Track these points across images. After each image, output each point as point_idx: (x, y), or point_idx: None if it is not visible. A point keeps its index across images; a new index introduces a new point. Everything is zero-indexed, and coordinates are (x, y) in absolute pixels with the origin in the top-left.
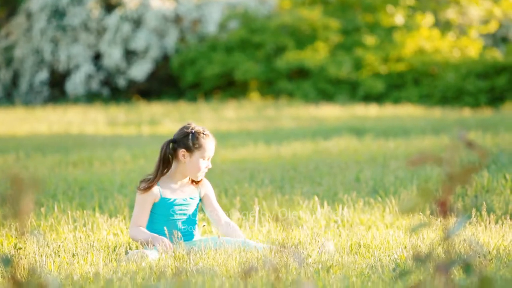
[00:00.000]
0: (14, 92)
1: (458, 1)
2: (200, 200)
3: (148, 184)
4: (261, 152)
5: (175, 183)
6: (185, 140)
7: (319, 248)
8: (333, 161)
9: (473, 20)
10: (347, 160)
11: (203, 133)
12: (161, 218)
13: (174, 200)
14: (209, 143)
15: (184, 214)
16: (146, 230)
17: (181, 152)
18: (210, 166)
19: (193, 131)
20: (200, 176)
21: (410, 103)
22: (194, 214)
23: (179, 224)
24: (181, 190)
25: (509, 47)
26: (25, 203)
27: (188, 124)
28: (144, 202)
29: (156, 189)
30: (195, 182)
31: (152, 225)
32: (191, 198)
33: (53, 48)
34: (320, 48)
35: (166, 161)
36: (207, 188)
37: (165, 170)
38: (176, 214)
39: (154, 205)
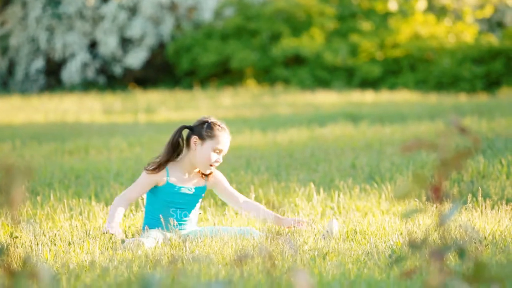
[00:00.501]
0: (10, 80)
1: None
2: (204, 192)
3: (157, 165)
4: (257, 139)
5: (183, 173)
6: (200, 128)
7: (324, 228)
8: (329, 148)
9: (468, 5)
10: (343, 146)
11: (219, 126)
12: (162, 203)
13: (180, 188)
14: (223, 136)
15: (186, 204)
16: (120, 213)
17: (193, 138)
18: (221, 160)
19: (209, 121)
20: (209, 169)
21: (406, 89)
22: (194, 205)
23: (178, 212)
24: (188, 180)
25: (504, 32)
26: (17, 192)
27: (208, 116)
28: (144, 182)
29: (163, 172)
30: (204, 175)
31: (152, 209)
32: (197, 189)
33: (48, 36)
34: (316, 35)
35: (175, 144)
36: (217, 178)
37: (175, 155)
38: (179, 202)
39: (158, 189)
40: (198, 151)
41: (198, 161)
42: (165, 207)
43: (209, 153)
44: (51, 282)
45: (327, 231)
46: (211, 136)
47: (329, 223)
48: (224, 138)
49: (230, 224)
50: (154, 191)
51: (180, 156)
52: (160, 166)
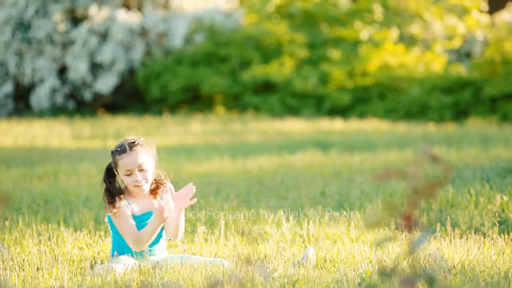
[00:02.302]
0: None
1: (422, 16)
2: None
3: (110, 200)
4: (227, 166)
5: (136, 199)
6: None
7: (303, 254)
8: (299, 175)
9: (438, 36)
10: (313, 174)
11: (117, 150)
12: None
13: (140, 216)
14: (123, 159)
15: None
16: (144, 229)
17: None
18: (140, 179)
19: (112, 150)
20: (140, 190)
21: (376, 118)
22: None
23: None
24: (144, 204)
25: (473, 63)
26: None
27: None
28: (126, 215)
29: (125, 202)
30: (153, 193)
31: (119, 240)
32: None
33: (17, 61)
34: (286, 62)
35: (109, 173)
36: (167, 192)
37: (112, 181)
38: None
39: None
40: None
41: (129, 188)
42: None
43: (124, 178)
44: None
45: (303, 258)
46: (116, 163)
47: (306, 251)
48: (125, 161)
49: (200, 251)
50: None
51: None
52: (113, 201)
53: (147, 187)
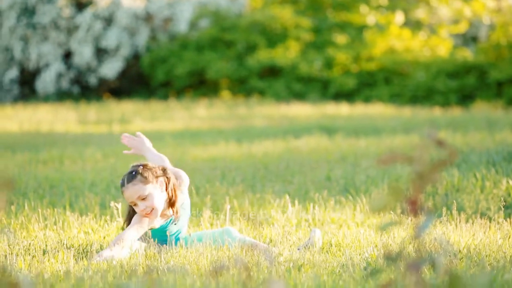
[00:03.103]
0: None
1: (428, 1)
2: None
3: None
4: (232, 151)
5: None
6: None
7: (310, 235)
8: (304, 160)
9: (443, 20)
10: (318, 159)
11: (121, 185)
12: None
13: (160, 227)
14: (124, 193)
15: (178, 232)
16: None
17: None
18: (143, 207)
19: None
20: (151, 217)
21: (381, 102)
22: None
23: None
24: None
25: (478, 47)
26: None
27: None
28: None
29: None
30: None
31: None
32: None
33: (23, 46)
34: (291, 47)
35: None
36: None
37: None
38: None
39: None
40: None
41: None
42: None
43: (134, 208)
44: None
45: (310, 239)
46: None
47: (312, 232)
48: (125, 195)
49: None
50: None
51: None
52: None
53: (156, 212)
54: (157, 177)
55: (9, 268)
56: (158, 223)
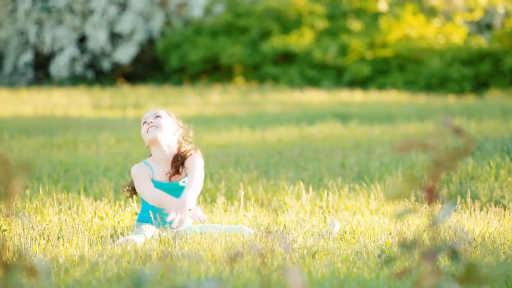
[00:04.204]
0: None
1: None
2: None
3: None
4: (246, 137)
5: (158, 165)
6: None
7: (328, 226)
8: (318, 147)
9: (458, 7)
10: (332, 145)
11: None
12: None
13: (165, 184)
14: (146, 113)
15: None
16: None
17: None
18: (155, 124)
19: None
20: (152, 133)
21: (395, 89)
22: None
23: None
24: (166, 171)
25: (493, 34)
26: (14, 185)
27: None
28: (143, 175)
29: (147, 167)
30: (178, 164)
31: (146, 204)
32: (177, 184)
33: (37, 30)
34: (306, 33)
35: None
36: (189, 163)
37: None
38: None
39: None
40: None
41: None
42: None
43: (142, 130)
44: (47, 276)
45: (326, 231)
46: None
47: (331, 224)
48: (145, 114)
49: (220, 221)
50: None
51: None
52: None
53: (156, 131)
54: (178, 122)
55: (24, 252)
56: (162, 174)
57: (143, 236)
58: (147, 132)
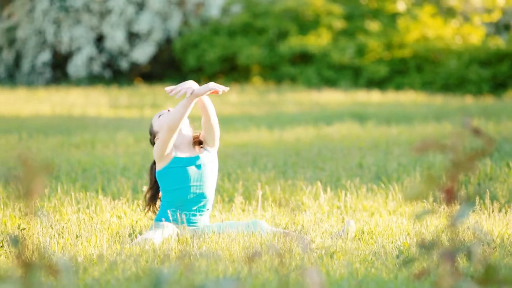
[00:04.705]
0: (16, 72)
1: None
2: (208, 157)
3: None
4: (263, 137)
5: (181, 150)
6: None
7: (343, 225)
8: (336, 147)
9: (476, 8)
10: (350, 146)
11: None
12: (177, 191)
13: (186, 158)
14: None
15: (198, 179)
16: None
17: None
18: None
19: None
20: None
21: (413, 90)
22: (207, 179)
23: (197, 193)
24: (189, 153)
25: (511, 35)
26: (36, 185)
27: None
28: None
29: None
30: (198, 144)
31: (169, 201)
32: (197, 157)
33: (55, 29)
34: (323, 34)
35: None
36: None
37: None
38: (189, 179)
39: (168, 171)
40: None
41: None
42: (181, 194)
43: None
44: (68, 275)
45: (343, 231)
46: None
47: (346, 223)
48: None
49: (238, 220)
50: (165, 178)
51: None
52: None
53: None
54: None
55: (42, 250)
56: (185, 149)
57: (161, 235)
58: (166, 114)
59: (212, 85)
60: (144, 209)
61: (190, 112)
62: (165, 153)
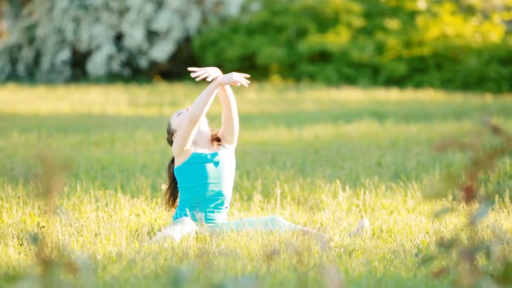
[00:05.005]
0: (35, 71)
1: None
2: (226, 153)
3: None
4: (282, 135)
5: (201, 148)
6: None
7: (358, 224)
8: (355, 145)
9: (496, 6)
10: (369, 144)
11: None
12: (195, 188)
13: (206, 154)
14: None
15: (216, 177)
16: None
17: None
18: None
19: None
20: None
21: (432, 88)
22: (226, 177)
23: (215, 190)
24: (208, 150)
25: None
26: (55, 183)
27: None
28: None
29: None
30: (216, 141)
31: (187, 198)
32: (215, 154)
33: (75, 27)
34: (342, 32)
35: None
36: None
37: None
38: (207, 176)
39: (187, 168)
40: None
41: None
42: (199, 191)
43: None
44: (86, 273)
45: (358, 229)
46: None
47: (361, 221)
48: None
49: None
50: (183, 174)
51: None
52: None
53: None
54: None
55: (62, 248)
56: (203, 145)
57: (180, 232)
58: (184, 112)
59: (236, 76)
60: (165, 208)
61: (207, 110)
62: (185, 148)
